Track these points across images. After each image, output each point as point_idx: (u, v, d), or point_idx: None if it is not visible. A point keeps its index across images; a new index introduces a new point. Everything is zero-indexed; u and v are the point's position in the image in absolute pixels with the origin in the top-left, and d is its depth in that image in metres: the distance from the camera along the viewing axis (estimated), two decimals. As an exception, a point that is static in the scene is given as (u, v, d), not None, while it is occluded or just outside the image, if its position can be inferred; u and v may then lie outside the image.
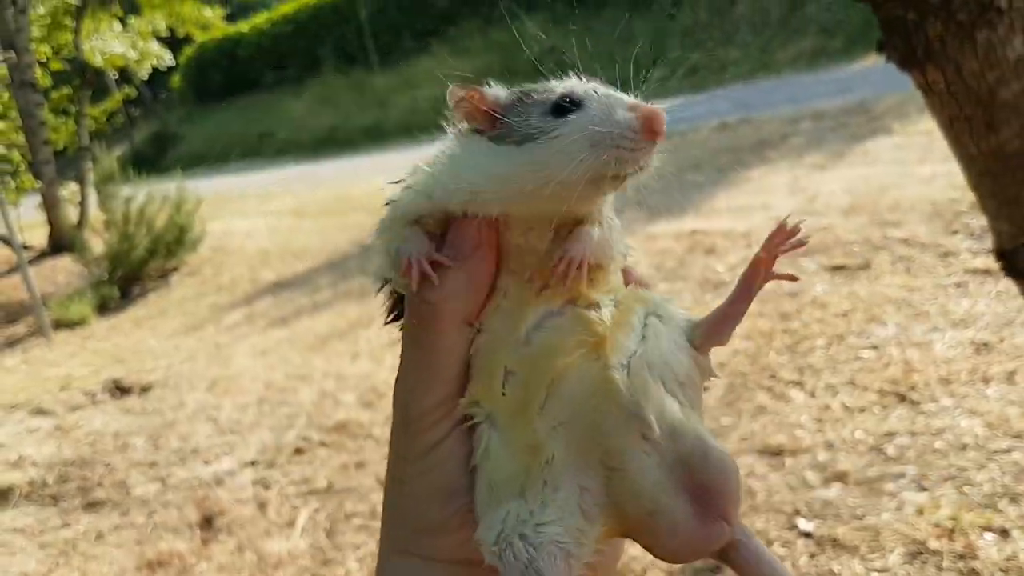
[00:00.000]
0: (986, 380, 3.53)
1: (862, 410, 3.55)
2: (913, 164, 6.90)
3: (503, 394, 0.69)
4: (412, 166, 0.78)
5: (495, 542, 0.66)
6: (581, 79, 0.75)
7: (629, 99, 0.71)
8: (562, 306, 0.71)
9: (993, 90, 1.41)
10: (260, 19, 29.89)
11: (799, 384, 3.90)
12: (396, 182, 0.78)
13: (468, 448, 0.71)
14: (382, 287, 0.79)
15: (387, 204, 0.77)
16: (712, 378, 0.76)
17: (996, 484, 2.88)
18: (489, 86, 0.76)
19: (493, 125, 0.74)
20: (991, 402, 3.36)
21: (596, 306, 0.71)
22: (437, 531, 0.71)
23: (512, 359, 0.70)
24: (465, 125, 0.76)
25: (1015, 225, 1.52)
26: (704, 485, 0.67)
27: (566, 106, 0.71)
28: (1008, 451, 3.04)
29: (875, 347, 4.05)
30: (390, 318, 0.79)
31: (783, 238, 0.71)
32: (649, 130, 0.68)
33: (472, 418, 0.71)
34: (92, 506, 4.35)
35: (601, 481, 0.68)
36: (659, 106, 0.70)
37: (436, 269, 0.70)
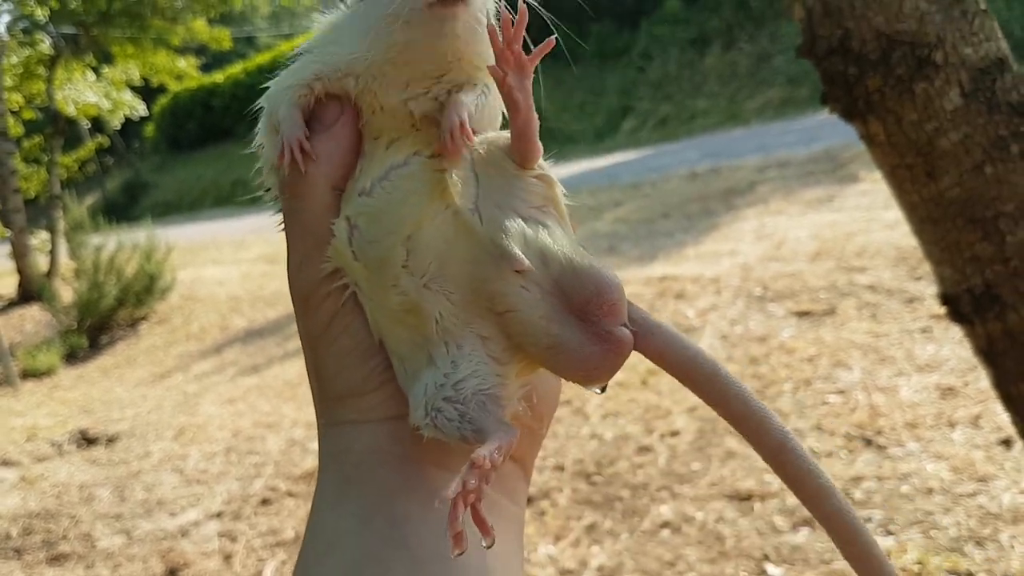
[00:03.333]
0: (951, 424, 3.56)
1: (829, 454, 3.56)
2: (878, 210, 7.02)
3: (353, 254, 0.68)
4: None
5: (425, 415, 0.66)
6: None
7: None
8: (406, 157, 0.70)
9: (932, 140, 1.45)
10: (235, 69, 30.08)
11: (767, 429, 3.90)
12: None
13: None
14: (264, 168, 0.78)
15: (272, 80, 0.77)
16: (561, 190, 0.72)
17: (962, 528, 2.90)
18: None
19: None
20: (956, 446, 3.39)
21: (438, 155, 0.69)
22: (358, 393, 0.70)
23: (353, 210, 0.69)
24: None
25: (957, 270, 1.56)
26: (583, 302, 0.65)
27: None
28: (974, 495, 3.06)
29: (841, 392, 4.08)
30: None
31: (508, 29, 0.65)
32: None
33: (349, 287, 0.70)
34: (56, 559, 4.25)
35: (497, 326, 0.67)
36: None
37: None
